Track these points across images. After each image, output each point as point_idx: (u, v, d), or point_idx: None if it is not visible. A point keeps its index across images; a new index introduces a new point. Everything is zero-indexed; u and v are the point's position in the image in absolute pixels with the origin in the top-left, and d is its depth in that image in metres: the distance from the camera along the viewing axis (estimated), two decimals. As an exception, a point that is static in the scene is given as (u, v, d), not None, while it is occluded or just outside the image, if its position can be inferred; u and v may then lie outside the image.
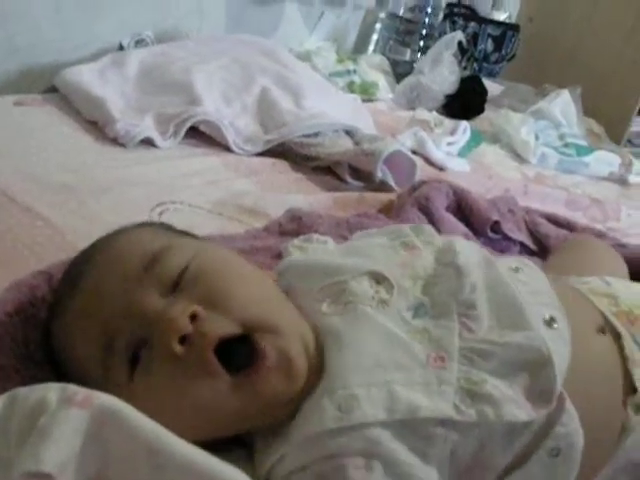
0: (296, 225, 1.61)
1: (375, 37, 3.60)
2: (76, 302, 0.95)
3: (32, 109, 2.22)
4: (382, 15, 3.58)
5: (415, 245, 1.12)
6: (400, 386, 0.88)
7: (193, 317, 0.87)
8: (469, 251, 1.10)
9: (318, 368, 0.93)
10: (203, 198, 1.80)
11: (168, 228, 1.13)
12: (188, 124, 2.16)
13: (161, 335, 0.87)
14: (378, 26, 3.60)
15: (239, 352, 0.88)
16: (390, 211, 1.79)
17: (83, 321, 0.94)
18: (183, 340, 0.86)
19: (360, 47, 3.64)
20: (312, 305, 1.01)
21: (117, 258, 0.96)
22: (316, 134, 2.22)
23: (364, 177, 2.07)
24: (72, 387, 0.82)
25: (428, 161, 2.40)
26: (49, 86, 2.43)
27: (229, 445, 0.94)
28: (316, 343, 0.95)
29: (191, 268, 0.94)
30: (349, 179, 2.07)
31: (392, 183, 2.02)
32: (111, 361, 0.90)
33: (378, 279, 1.01)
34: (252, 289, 0.96)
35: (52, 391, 0.82)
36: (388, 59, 3.39)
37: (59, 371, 0.98)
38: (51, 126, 2.14)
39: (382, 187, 2.02)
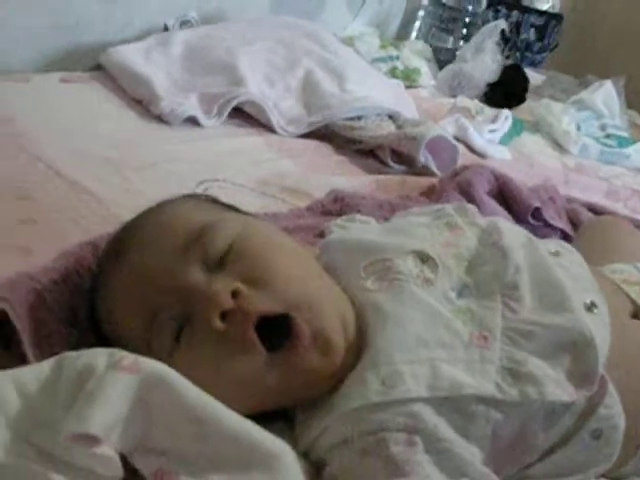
0: (339, 206, 1.61)
1: (418, 24, 3.57)
2: (120, 275, 0.97)
3: (78, 86, 2.24)
4: (425, 2, 3.55)
5: (459, 225, 1.12)
6: (443, 363, 0.88)
7: (235, 293, 0.88)
8: (513, 232, 1.10)
9: (360, 343, 0.93)
10: (246, 177, 1.81)
11: (214, 201, 1.14)
12: (232, 104, 2.17)
13: (203, 310, 0.88)
14: (421, 13, 3.57)
15: (278, 329, 0.89)
16: (432, 195, 1.79)
17: (127, 294, 0.95)
18: (224, 316, 0.87)
19: (403, 34, 3.62)
20: (356, 282, 1.01)
21: (162, 232, 0.97)
22: (359, 117, 2.21)
23: (406, 161, 2.07)
24: (120, 352, 0.84)
25: (469, 148, 2.38)
26: (94, 64, 2.44)
27: (271, 416, 0.94)
28: (358, 319, 0.96)
29: (235, 244, 0.94)
30: (391, 163, 2.07)
31: (434, 168, 2.02)
32: (154, 334, 0.91)
33: (423, 258, 1.02)
34: (294, 267, 0.96)
35: (100, 356, 0.83)
36: (430, 46, 3.36)
37: (104, 340, 0.98)
38: (96, 103, 2.16)
39: (424, 172, 2.01)
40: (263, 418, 0.87)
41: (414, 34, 3.57)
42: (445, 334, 0.91)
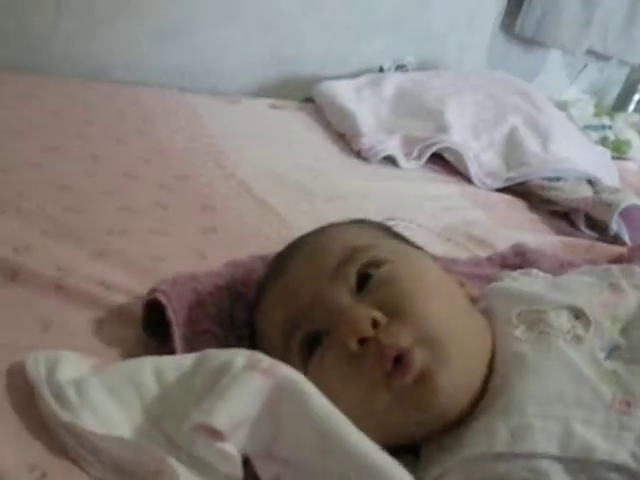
0: (519, 260, 1.57)
1: (637, 96, 3.48)
2: (275, 288, 1.01)
3: (285, 113, 2.31)
4: (647, 76, 3.46)
5: (622, 287, 1.07)
6: (578, 423, 0.83)
7: (375, 322, 0.88)
8: None
9: (495, 390, 0.91)
10: (434, 221, 1.80)
11: (384, 229, 1.15)
12: (433, 149, 2.18)
13: (342, 332, 0.89)
14: (641, 87, 3.49)
15: None
16: (619, 263, 1.72)
17: (276, 306, 0.99)
18: (362, 341, 0.88)
19: (620, 105, 3.52)
20: (506, 328, 0.98)
21: (317, 250, 1.00)
22: (558, 178, 2.17)
23: (599, 228, 2.00)
24: (259, 355, 0.85)
25: (671, 227, 2.29)
26: (306, 97, 2.52)
27: (399, 450, 0.91)
28: (497, 365, 0.94)
29: (384, 270, 0.95)
30: (583, 227, 2.01)
31: (626, 238, 1.94)
32: (291, 347, 0.94)
33: (577, 314, 0.98)
34: (436, 303, 0.94)
35: (240, 355, 0.85)
36: (647, 121, 3.26)
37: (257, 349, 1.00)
38: (300, 131, 2.22)
39: (616, 241, 1.94)
40: (392, 450, 0.86)
41: (632, 107, 3.48)
42: (585, 394, 0.86)
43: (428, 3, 2.79)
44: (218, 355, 0.86)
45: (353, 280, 0.94)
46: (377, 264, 0.96)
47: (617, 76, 3.51)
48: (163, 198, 1.56)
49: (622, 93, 3.46)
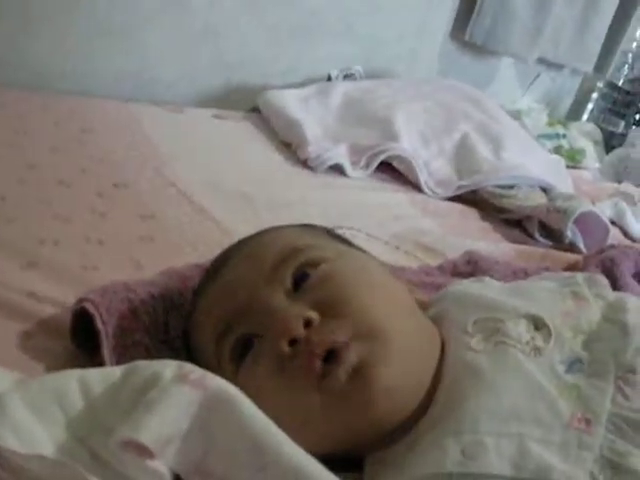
0: (471, 268, 1.53)
1: (590, 106, 3.48)
2: (209, 292, 0.98)
3: (230, 123, 2.27)
4: (600, 84, 3.46)
5: (584, 296, 1.03)
6: (534, 442, 0.79)
7: (308, 322, 0.85)
8: None
9: (443, 402, 0.86)
10: (383, 230, 1.75)
11: (328, 232, 1.11)
12: (382, 157, 2.14)
13: (273, 333, 0.86)
14: (595, 95, 3.49)
15: None
16: (574, 271, 1.68)
17: (210, 311, 0.96)
18: (294, 342, 0.84)
19: (573, 114, 3.55)
20: (460, 337, 0.94)
21: (255, 252, 0.98)
22: (511, 186, 2.14)
23: (553, 236, 1.96)
24: (189, 366, 0.80)
25: (625, 233, 2.25)
26: (251, 107, 2.47)
27: (342, 466, 0.86)
28: (448, 377, 0.89)
29: (321, 269, 0.92)
30: (537, 236, 1.97)
31: (581, 245, 1.90)
32: (224, 348, 0.91)
33: (537, 324, 0.93)
34: (376, 301, 0.90)
35: (169, 367, 0.80)
36: (601, 129, 3.26)
37: (193, 360, 0.94)
38: (244, 141, 2.18)
39: (570, 249, 1.90)
40: (335, 466, 0.80)
41: (585, 116, 3.48)
42: (543, 410, 0.82)
43: (377, 10, 2.74)
44: (147, 367, 0.82)
45: (289, 280, 0.92)
46: (315, 264, 0.93)
47: (570, 85, 3.53)
48: (100, 206, 1.53)
49: (575, 102, 3.48)
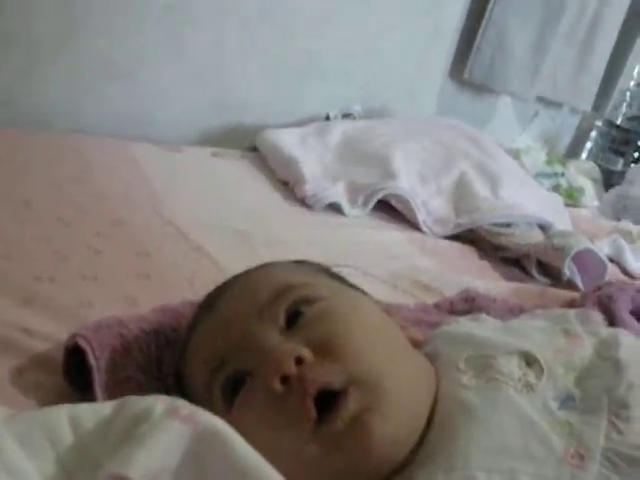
0: (468, 306, 1.52)
1: (589, 144, 3.49)
2: (202, 328, 0.96)
3: (228, 162, 2.28)
4: (599, 123, 3.47)
5: (577, 333, 1.02)
6: (527, 477, 0.78)
7: (300, 359, 0.83)
8: (634, 348, 0.99)
9: (435, 440, 0.85)
10: (380, 269, 1.74)
11: (324, 269, 1.09)
12: (379, 195, 2.13)
13: (264, 371, 0.84)
14: (593, 134, 3.49)
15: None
16: (572, 307, 1.68)
17: (201, 347, 0.95)
18: (286, 380, 0.82)
19: (572, 152, 3.55)
20: (452, 374, 0.93)
21: (249, 288, 0.97)
22: (508, 224, 2.13)
23: (552, 274, 1.96)
24: (180, 401, 0.79)
25: (623, 271, 2.25)
26: (249, 146, 2.48)
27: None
28: (440, 414, 0.88)
29: (316, 307, 0.91)
30: (535, 274, 1.96)
31: (579, 283, 1.90)
32: (215, 385, 0.89)
33: (529, 361, 0.93)
34: (374, 342, 0.89)
35: (160, 402, 0.79)
36: (600, 167, 3.27)
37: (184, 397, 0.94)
38: (242, 179, 2.19)
39: (568, 286, 1.89)
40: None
41: (584, 154, 3.48)
42: (536, 446, 0.81)
43: (375, 51, 2.77)
44: (138, 401, 0.80)
45: (282, 318, 0.90)
46: (310, 301, 0.92)
47: (569, 124, 3.53)
48: (97, 244, 1.52)
49: (574, 140, 3.48)
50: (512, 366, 0.91)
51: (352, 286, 1.08)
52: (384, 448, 0.81)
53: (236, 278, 1.03)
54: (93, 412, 0.81)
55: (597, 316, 1.10)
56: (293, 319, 0.90)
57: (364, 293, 1.08)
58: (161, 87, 2.37)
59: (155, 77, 2.34)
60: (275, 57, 2.54)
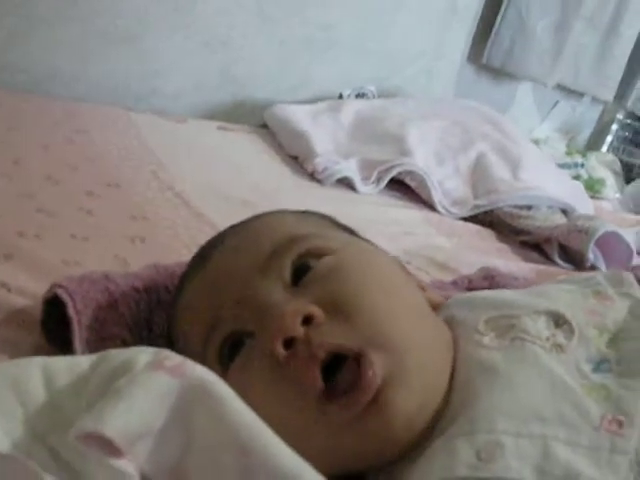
0: (487, 283, 1.41)
1: (610, 138, 3.40)
2: (196, 281, 0.87)
3: (234, 135, 2.20)
4: (620, 116, 3.39)
5: (608, 295, 0.93)
6: (560, 444, 0.68)
7: (308, 319, 0.73)
8: None
9: (455, 406, 0.75)
10: (394, 245, 1.63)
11: (331, 220, 1.00)
12: (393, 172, 2.05)
13: (266, 332, 0.74)
14: (615, 126, 3.41)
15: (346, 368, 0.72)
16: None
17: (196, 303, 0.85)
18: (290, 343, 0.72)
19: (592, 144, 3.47)
20: (471, 336, 0.83)
21: (249, 239, 0.88)
22: (529, 207, 2.04)
23: (574, 260, 1.85)
24: (167, 352, 0.68)
25: (648, 264, 2.15)
26: (258, 123, 2.39)
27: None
28: (459, 377, 0.78)
29: (326, 261, 0.80)
30: (557, 259, 1.86)
31: (603, 268, 1.79)
32: (209, 348, 0.80)
33: (558, 322, 0.83)
34: (387, 300, 0.79)
35: (144, 353, 0.68)
36: (621, 161, 3.18)
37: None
38: (249, 153, 2.11)
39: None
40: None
41: (605, 147, 3.39)
42: (570, 411, 0.71)
43: (392, 27, 2.68)
44: (119, 354, 0.70)
45: (288, 273, 0.80)
46: (318, 254, 0.81)
47: (590, 115, 3.42)
48: (88, 204, 1.44)
49: (595, 132, 3.40)
50: (539, 326, 0.82)
51: (365, 239, 0.97)
52: (405, 422, 0.72)
53: (233, 228, 0.94)
54: (69, 367, 0.71)
55: (629, 276, 1.00)
56: (300, 274, 0.80)
57: (378, 247, 0.97)
58: (165, 56, 2.28)
59: (161, 44, 2.25)
60: (288, 30, 2.47)
